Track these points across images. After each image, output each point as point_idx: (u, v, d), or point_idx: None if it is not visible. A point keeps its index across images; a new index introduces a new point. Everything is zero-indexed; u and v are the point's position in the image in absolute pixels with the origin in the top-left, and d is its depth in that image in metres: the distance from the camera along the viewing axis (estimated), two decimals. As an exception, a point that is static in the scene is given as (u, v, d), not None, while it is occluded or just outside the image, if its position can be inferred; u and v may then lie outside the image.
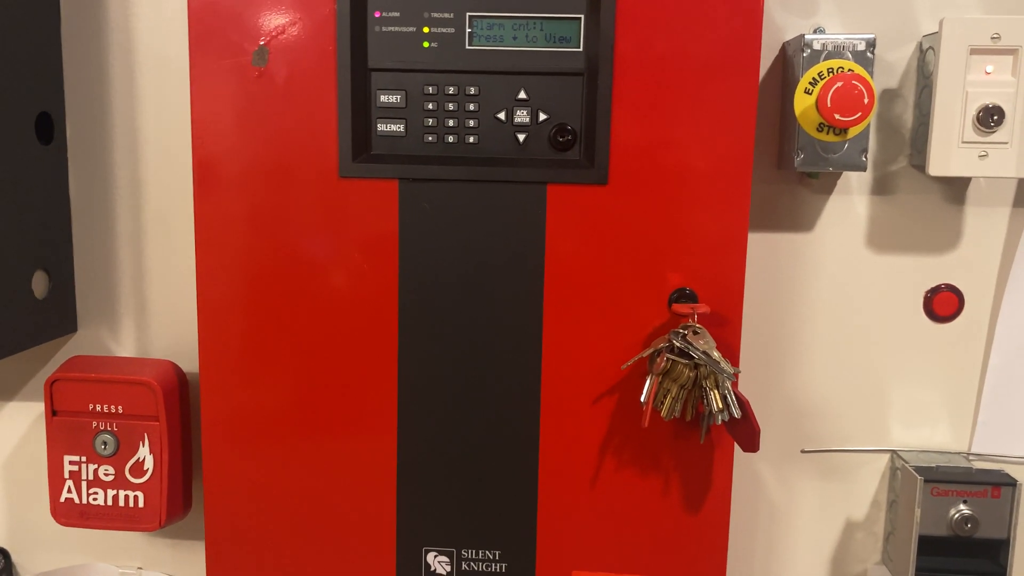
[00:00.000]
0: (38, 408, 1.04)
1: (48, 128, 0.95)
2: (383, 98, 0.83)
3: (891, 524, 0.98)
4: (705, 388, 0.79)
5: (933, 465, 0.93)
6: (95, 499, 0.95)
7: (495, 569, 0.87)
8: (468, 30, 0.81)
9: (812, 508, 1.01)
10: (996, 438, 0.97)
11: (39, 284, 0.94)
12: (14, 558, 1.07)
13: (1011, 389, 0.96)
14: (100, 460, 0.95)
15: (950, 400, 0.98)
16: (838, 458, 1.00)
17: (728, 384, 0.79)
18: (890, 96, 0.93)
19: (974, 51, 0.84)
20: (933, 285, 0.96)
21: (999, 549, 0.90)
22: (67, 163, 0.99)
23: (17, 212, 0.90)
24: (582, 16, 0.80)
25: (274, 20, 0.81)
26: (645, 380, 0.81)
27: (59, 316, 0.98)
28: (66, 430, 0.94)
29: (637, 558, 0.86)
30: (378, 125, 0.83)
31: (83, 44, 0.97)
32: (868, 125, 0.85)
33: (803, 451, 1.00)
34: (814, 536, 1.01)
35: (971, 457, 0.98)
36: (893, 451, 0.98)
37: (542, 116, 0.82)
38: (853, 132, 0.85)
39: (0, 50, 0.86)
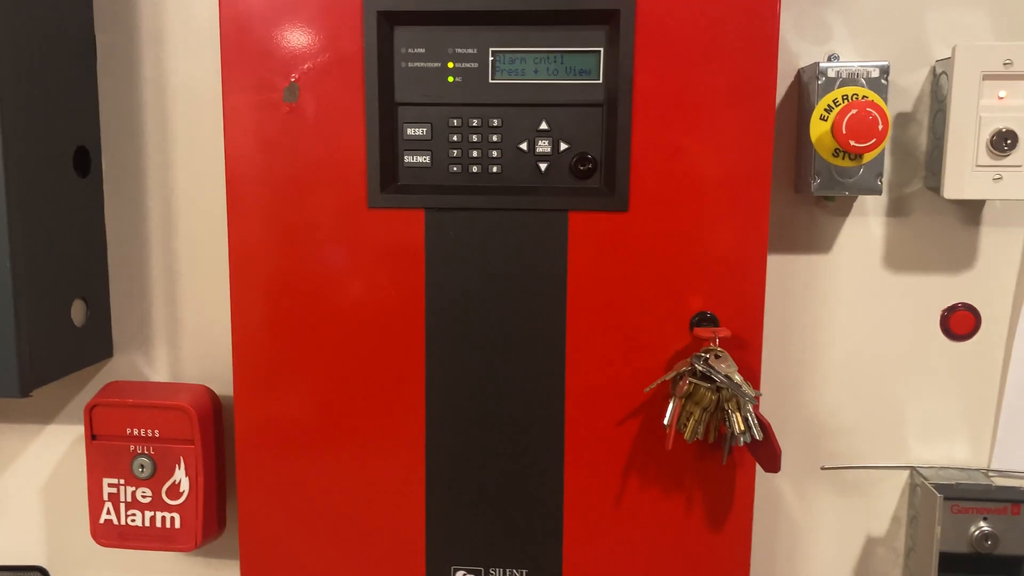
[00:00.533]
0: (76, 431, 1.07)
1: (85, 161, 0.99)
2: (410, 131, 0.85)
3: (911, 540, 0.99)
4: (727, 411, 0.81)
5: (952, 482, 0.94)
6: (133, 520, 0.98)
7: (522, 588, 0.89)
8: (491, 64, 0.84)
9: (833, 525, 1.02)
10: (1015, 454, 0.98)
11: (78, 312, 0.97)
12: (53, 577, 1.11)
13: (1029, 406, 0.97)
14: (138, 483, 0.97)
15: (969, 417, 0.99)
16: (858, 475, 1.01)
17: (750, 407, 0.80)
18: (904, 120, 0.95)
19: (987, 77, 0.86)
20: (950, 304, 0.97)
21: (1020, 566, 0.91)
22: (103, 195, 1.02)
23: (57, 243, 0.93)
24: (601, 49, 0.83)
25: (304, 57, 0.84)
26: (668, 403, 0.83)
27: (96, 343, 1.01)
28: (105, 454, 0.97)
29: (661, 576, 0.88)
30: (405, 157, 0.86)
31: (118, 81, 1.01)
32: (883, 150, 0.86)
33: (823, 468, 1.01)
34: (835, 552, 1.02)
35: (991, 473, 0.99)
36: (912, 468, 1.00)
37: (563, 146, 0.85)
38: (868, 157, 0.87)
39: (41, 89, 0.90)
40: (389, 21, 0.83)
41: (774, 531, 1.03)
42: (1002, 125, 0.86)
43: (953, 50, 0.87)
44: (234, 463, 0.90)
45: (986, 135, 0.86)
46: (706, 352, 0.81)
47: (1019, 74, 0.86)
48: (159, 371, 1.05)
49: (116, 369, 1.05)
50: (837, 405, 1.00)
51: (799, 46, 0.95)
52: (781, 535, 1.03)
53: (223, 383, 1.02)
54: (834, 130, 0.85)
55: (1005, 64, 0.85)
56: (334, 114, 0.84)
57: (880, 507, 1.01)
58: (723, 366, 0.80)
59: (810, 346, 0.99)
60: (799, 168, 0.94)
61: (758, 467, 0.85)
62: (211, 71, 0.98)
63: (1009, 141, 0.86)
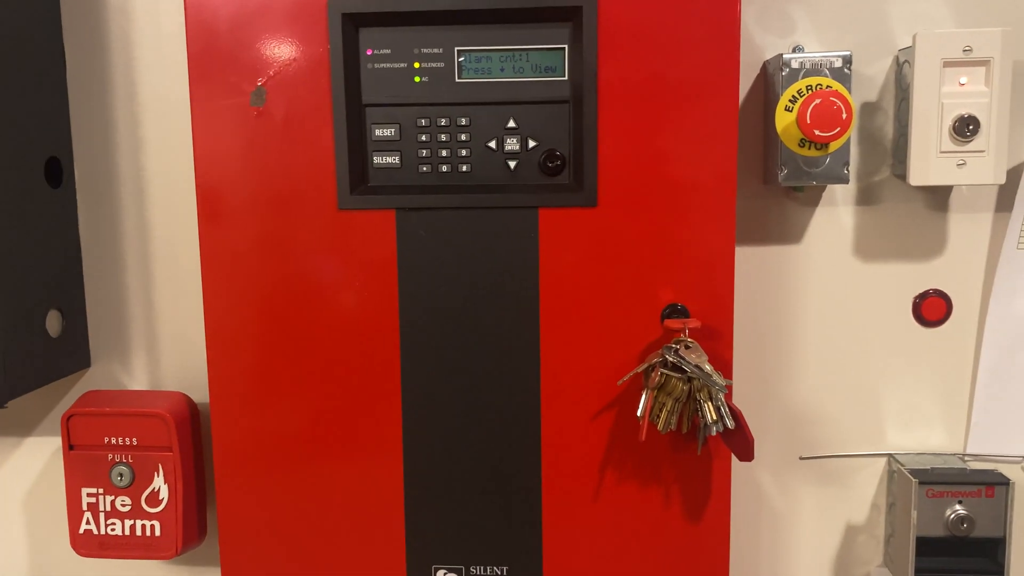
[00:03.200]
0: (55, 443, 1.07)
1: (57, 172, 0.99)
2: (378, 132, 0.86)
3: (891, 526, 1.00)
4: (699, 400, 0.81)
5: (928, 467, 0.95)
6: (113, 529, 0.98)
7: (503, 584, 0.89)
8: (457, 64, 0.84)
9: (813, 513, 1.03)
10: (990, 438, 0.99)
11: (53, 323, 0.97)
12: (36, 590, 1.10)
13: (1002, 389, 0.98)
14: (117, 491, 0.97)
15: (943, 402, 1.00)
16: (836, 463, 1.02)
17: (721, 396, 0.81)
18: (870, 109, 0.96)
19: (947, 64, 0.87)
20: (921, 291, 0.98)
21: (996, 547, 0.92)
22: (76, 205, 1.02)
23: (31, 254, 0.93)
24: (566, 46, 0.83)
25: (270, 61, 0.84)
26: (641, 395, 0.83)
27: (73, 353, 1.01)
28: (83, 463, 0.97)
29: (641, 569, 0.88)
30: (374, 158, 0.86)
31: (88, 91, 1.01)
32: (849, 138, 0.87)
33: (801, 458, 1.02)
34: (816, 541, 1.03)
35: (966, 458, 0.99)
36: (890, 454, 1.00)
37: (531, 143, 0.85)
38: (834, 146, 0.88)
39: (11, 100, 0.90)
40: (354, 23, 0.83)
41: (755, 522, 1.03)
42: (964, 111, 0.87)
43: (914, 38, 0.88)
44: (213, 469, 0.90)
45: (949, 121, 0.87)
46: (677, 343, 0.82)
47: (979, 60, 0.87)
48: (137, 380, 1.05)
49: (94, 379, 1.05)
50: (813, 395, 1.01)
51: (764, 39, 0.96)
52: (762, 526, 1.03)
53: (201, 390, 1.02)
54: (799, 120, 0.86)
55: (965, 51, 0.86)
56: (302, 117, 0.85)
57: (859, 495, 1.02)
58: (693, 356, 0.80)
59: (785, 337, 1.00)
60: (767, 159, 0.95)
61: (735, 458, 0.86)
62: (180, 78, 0.98)
63: (971, 127, 0.87)
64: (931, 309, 0.98)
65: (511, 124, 0.85)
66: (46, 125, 0.97)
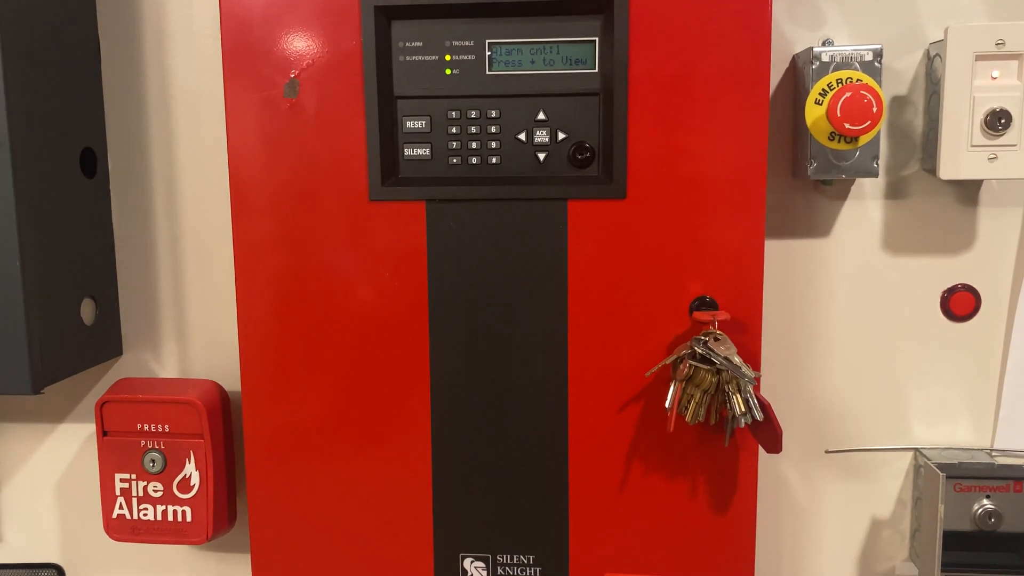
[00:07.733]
0: (88, 429, 1.09)
1: (91, 162, 1.00)
2: (409, 124, 0.86)
3: (917, 521, 1.00)
4: (728, 392, 0.82)
5: (955, 462, 0.95)
6: (145, 515, 1.00)
7: (530, 573, 0.90)
8: (488, 56, 0.85)
9: (838, 508, 1.03)
10: (1018, 433, 0.98)
11: (87, 311, 0.99)
12: (68, 574, 1.12)
13: (1031, 385, 0.98)
14: (149, 477, 0.99)
15: (971, 397, 0.99)
16: (862, 457, 1.02)
17: (750, 388, 0.81)
18: (900, 103, 0.96)
19: (980, 57, 0.87)
20: (949, 285, 0.98)
21: (1023, 543, 0.92)
22: (109, 195, 1.04)
23: (66, 243, 0.95)
24: (596, 39, 0.84)
25: (303, 54, 0.85)
26: (669, 386, 0.84)
27: (106, 341, 1.03)
28: (116, 449, 0.99)
29: (667, 560, 0.89)
30: (405, 150, 0.87)
31: (122, 83, 1.02)
32: (878, 132, 0.87)
33: (827, 451, 1.02)
34: (841, 535, 1.03)
35: (994, 453, 0.99)
36: (916, 449, 1.00)
37: (561, 135, 0.86)
38: (864, 140, 0.88)
39: (47, 92, 0.91)
40: (386, 15, 0.84)
41: (779, 515, 1.03)
42: (996, 105, 0.87)
43: (946, 32, 0.87)
44: (243, 457, 0.91)
45: (980, 115, 0.87)
46: (706, 335, 0.82)
47: (1011, 54, 0.86)
48: (168, 368, 1.07)
49: (126, 367, 1.07)
50: (840, 389, 1.01)
51: (793, 32, 0.95)
52: (786, 519, 1.03)
53: (231, 378, 1.04)
54: (829, 114, 0.86)
55: (997, 44, 0.86)
56: (334, 109, 0.86)
57: (885, 489, 1.02)
58: (722, 348, 0.80)
59: (812, 330, 1.00)
60: (796, 153, 0.95)
61: (762, 450, 0.86)
62: (213, 70, 1.00)
63: (1003, 120, 0.86)
64: (960, 304, 0.98)
65: (541, 116, 0.85)
66: (81, 116, 0.98)
